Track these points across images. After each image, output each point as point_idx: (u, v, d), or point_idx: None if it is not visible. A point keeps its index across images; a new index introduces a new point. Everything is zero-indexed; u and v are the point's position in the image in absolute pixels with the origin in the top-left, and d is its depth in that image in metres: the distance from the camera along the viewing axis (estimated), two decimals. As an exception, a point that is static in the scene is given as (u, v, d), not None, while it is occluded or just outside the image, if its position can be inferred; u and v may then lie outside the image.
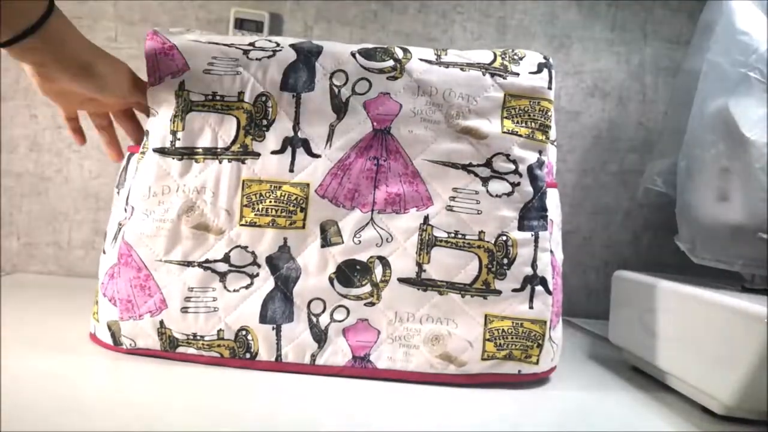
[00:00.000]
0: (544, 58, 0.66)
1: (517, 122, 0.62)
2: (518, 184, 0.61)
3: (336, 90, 0.62)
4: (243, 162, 0.60)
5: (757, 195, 0.64)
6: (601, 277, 1.07)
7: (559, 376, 0.66)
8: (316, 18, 1.02)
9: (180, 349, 0.59)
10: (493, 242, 0.60)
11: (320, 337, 0.59)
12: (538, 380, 0.63)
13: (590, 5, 1.06)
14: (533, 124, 0.63)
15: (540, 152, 0.63)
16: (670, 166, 0.80)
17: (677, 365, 0.63)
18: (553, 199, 0.65)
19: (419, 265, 0.60)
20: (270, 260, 0.60)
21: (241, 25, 0.98)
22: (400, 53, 0.63)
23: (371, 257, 0.60)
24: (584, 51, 1.06)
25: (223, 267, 0.59)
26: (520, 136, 0.62)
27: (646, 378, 0.70)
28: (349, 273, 0.60)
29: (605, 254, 1.08)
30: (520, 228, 0.61)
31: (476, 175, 0.61)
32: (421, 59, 0.63)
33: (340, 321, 0.60)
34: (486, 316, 0.60)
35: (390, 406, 0.53)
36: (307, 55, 0.62)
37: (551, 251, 0.63)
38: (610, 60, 1.07)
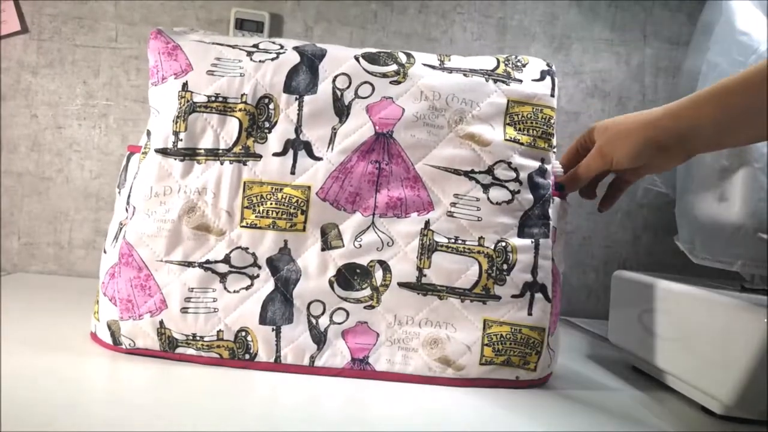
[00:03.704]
0: (547, 65, 0.66)
1: (519, 129, 0.63)
2: (518, 192, 0.61)
3: (339, 93, 0.62)
4: (244, 163, 0.60)
5: (757, 195, 0.64)
6: (600, 277, 1.07)
7: (559, 375, 0.66)
8: (316, 18, 1.02)
9: (179, 350, 0.59)
10: (492, 248, 0.60)
11: (320, 338, 0.60)
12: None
13: (590, 6, 1.06)
14: (535, 132, 0.63)
15: (542, 160, 0.63)
16: (669, 166, 0.80)
17: (677, 365, 0.63)
18: (558, 208, 0.65)
19: (420, 269, 0.60)
20: (270, 262, 0.60)
21: (241, 25, 0.98)
22: (403, 58, 0.64)
23: (372, 261, 0.60)
24: (584, 51, 1.06)
25: (223, 268, 0.59)
26: (522, 144, 0.62)
27: (645, 378, 0.70)
28: (349, 276, 0.60)
29: (605, 254, 1.08)
30: (520, 235, 0.61)
31: (478, 182, 0.61)
32: (424, 64, 0.63)
33: (339, 323, 0.60)
34: (485, 321, 0.60)
35: (388, 406, 0.53)
36: (311, 58, 0.62)
37: (552, 259, 0.63)
38: (609, 60, 1.07)
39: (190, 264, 0.59)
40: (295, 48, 0.63)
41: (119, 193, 0.65)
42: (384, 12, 1.03)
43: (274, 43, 0.64)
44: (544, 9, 1.05)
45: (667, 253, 0.91)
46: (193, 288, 0.59)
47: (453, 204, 0.61)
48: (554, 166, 0.65)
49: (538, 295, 0.61)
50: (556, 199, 0.64)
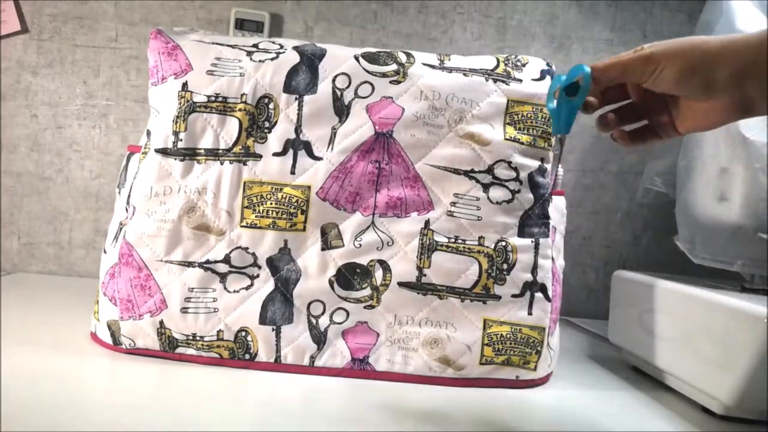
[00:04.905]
0: (547, 65, 0.66)
1: (519, 129, 0.63)
2: (518, 191, 0.62)
3: (338, 93, 0.62)
4: (244, 163, 0.60)
5: (757, 195, 0.64)
6: (600, 277, 1.07)
7: (559, 375, 0.66)
8: (316, 18, 1.02)
9: (179, 350, 0.59)
10: (492, 247, 0.60)
11: (320, 338, 0.60)
12: (538, 381, 0.63)
13: (590, 5, 1.06)
14: (535, 131, 0.63)
15: (542, 159, 0.63)
16: (669, 166, 0.80)
17: (677, 365, 0.63)
18: (558, 207, 0.65)
19: (420, 269, 0.60)
20: (270, 262, 0.60)
21: (241, 25, 0.98)
22: (403, 57, 0.64)
23: (372, 261, 0.60)
24: (584, 51, 1.06)
25: (223, 268, 0.59)
26: (522, 143, 0.62)
27: (645, 378, 0.70)
28: (349, 276, 0.60)
29: (605, 254, 1.08)
30: (520, 234, 0.61)
31: (478, 181, 0.61)
32: (424, 64, 0.63)
33: (339, 323, 0.60)
34: (485, 320, 0.60)
35: (388, 406, 0.53)
36: (311, 58, 0.62)
37: (552, 258, 0.63)
38: (609, 60, 1.07)
39: (190, 264, 0.59)
40: (295, 48, 0.63)
41: (119, 193, 0.65)
42: (384, 12, 1.03)
43: (273, 43, 0.64)
44: (544, 9, 1.05)
45: (667, 253, 0.91)
46: (193, 288, 0.59)
47: (453, 203, 0.61)
48: None
49: (538, 295, 0.61)
50: (556, 198, 0.65)
